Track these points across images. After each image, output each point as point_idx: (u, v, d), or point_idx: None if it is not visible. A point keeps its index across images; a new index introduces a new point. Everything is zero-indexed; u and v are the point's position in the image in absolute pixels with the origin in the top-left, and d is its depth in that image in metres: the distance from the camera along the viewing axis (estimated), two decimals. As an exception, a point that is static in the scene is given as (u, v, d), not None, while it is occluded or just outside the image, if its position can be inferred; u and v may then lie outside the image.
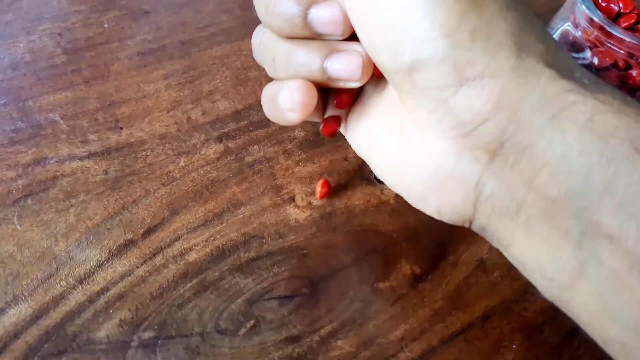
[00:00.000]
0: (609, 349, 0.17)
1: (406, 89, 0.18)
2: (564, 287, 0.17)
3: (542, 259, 0.17)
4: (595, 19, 0.28)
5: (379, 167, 0.22)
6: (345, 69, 0.20)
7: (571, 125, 0.16)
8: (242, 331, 0.24)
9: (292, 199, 0.29)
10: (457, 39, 0.16)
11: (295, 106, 0.21)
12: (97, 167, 0.30)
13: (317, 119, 0.25)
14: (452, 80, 0.17)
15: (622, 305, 0.15)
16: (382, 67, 0.19)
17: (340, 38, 0.20)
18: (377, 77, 0.22)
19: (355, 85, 0.21)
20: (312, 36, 0.20)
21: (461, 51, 0.17)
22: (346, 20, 0.19)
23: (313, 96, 0.21)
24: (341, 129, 0.25)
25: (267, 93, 0.22)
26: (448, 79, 0.17)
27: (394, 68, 0.18)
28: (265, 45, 0.22)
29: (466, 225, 0.20)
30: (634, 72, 0.28)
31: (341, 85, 0.21)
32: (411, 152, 0.20)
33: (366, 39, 0.19)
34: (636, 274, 0.15)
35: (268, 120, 0.33)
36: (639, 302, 0.15)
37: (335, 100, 0.23)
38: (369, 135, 0.22)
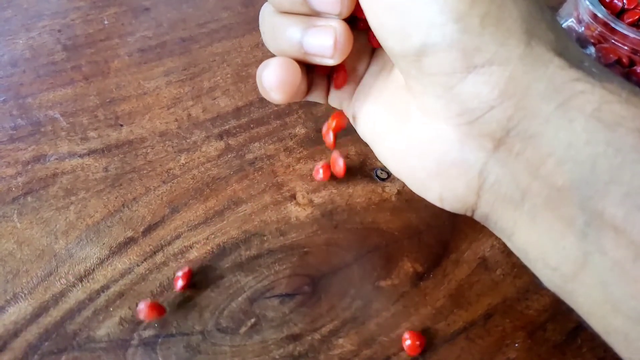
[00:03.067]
0: (611, 339, 0.17)
1: (413, 73, 0.18)
2: (567, 277, 0.17)
3: (546, 249, 0.17)
4: (599, 15, 0.28)
5: (383, 152, 0.22)
6: (318, 44, 0.20)
7: (578, 114, 0.16)
8: (243, 329, 0.24)
9: (293, 197, 0.29)
10: (466, 24, 0.16)
11: (273, 86, 0.20)
12: (97, 164, 0.30)
13: (320, 100, 0.24)
14: (460, 66, 0.17)
15: (626, 296, 0.15)
16: (390, 51, 0.19)
17: (338, 17, 0.20)
18: (382, 60, 0.22)
19: (330, 62, 0.20)
20: (311, 13, 0.20)
21: (470, 37, 0.16)
22: (345, 1, 0.19)
23: (293, 75, 0.20)
24: (345, 111, 0.24)
25: (257, 72, 0.22)
26: (456, 65, 0.17)
27: (402, 52, 0.18)
28: (263, 19, 0.22)
29: (468, 214, 0.20)
30: (638, 69, 0.28)
31: (317, 61, 0.20)
32: (416, 138, 0.20)
33: (375, 20, 0.18)
34: None
35: (269, 117, 0.33)
36: None
37: (332, 81, 0.23)
38: (373, 119, 0.22)
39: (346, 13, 0.19)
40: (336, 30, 0.19)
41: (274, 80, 0.20)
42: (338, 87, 0.23)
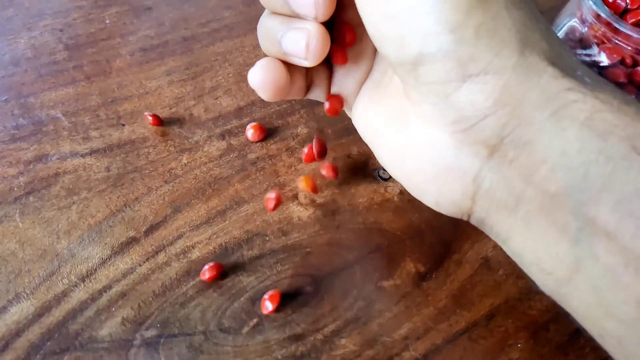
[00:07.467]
0: (605, 343, 0.17)
1: (410, 81, 0.19)
2: (561, 282, 0.17)
3: (540, 254, 0.18)
4: (603, 15, 0.27)
5: (382, 154, 0.22)
6: (292, 45, 0.20)
7: (571, 122, 0.16)
8: (245, 329, 0.24)
9: (295, 197, 0.29)
10: (461, 34, 0.16)
11: (256, 85, 0.21)
12: (99, 164, 0.30)
13: (321, 99, 0.25)
14: (455, 76, 0.17)
15: (618, 301, 0.16)
16: (388, 59, 0.19)
17: (314, 21, 0.20)
18: (384, 65, 0.22)
19: (306, 63, 0.21)
20: (292, 14, 0.20)
21: (465, 47, 0.17)
22: (319, 4, 0.19)
23: (275, 74, 0.21)
24: (347, 112, 0.25)
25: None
26: (451, 74, 0.17)
27: (399, 60, 0.18)
28: (260, 20, 0.22)
29: (464, 219, 0.20)
30: (641, 69, 0.28)
31: (296, 62, 0.21)
32: (413, 143, 0.20)
33: (373, 28, 0.18)
34: (632, 271, 0.15)
35: (271, 116, 0.33)
36: (634, 298, 0.15)
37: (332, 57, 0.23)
38: (373, 121, 0.22)
39: (323, 16, 0.20)
40: (310, 32, 0.20)
41: (257, 80, 0.21)
42: (331, 114, 0.24)
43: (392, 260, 0.27)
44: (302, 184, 0.28)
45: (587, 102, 0.16)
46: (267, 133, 0.32)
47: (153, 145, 0.31)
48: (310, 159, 0.29)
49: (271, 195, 0.27)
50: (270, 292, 0.25)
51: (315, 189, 0.28)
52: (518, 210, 0.18)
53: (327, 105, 0.24)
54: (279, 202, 0.27)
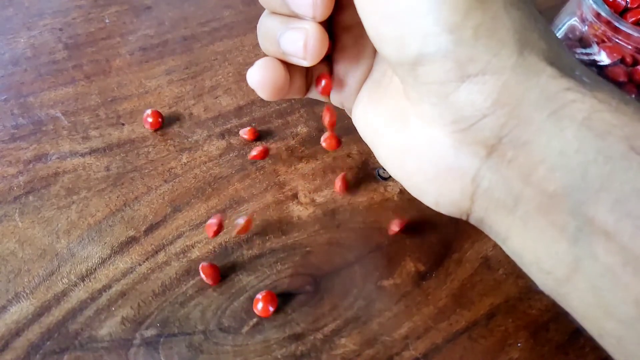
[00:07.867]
0: (604, 342, 0.17)
1: (410, 81, 0.19)
2: (560, 281, 0.17)
3: (539, 253, 0.18)
4: (603, 14, 0.27)
5: (382, 154, 0.22)
6: (290, 45, 0.20)
7: (569, 122, 0.16)
8: (245, 329, 0.24)
9: (295, 196, 0.29)
10: (460, 35, 0.16)
11: (254, 84, 0.21)
12: (98, 163, 0.30)
13: (321, 98, 0.25)
14: (454, 76, 0.17)
15: (617, 301, 0.16)
16: (387, 59, 0.19)
17: (313, 20, 0.20)
18: (385, 65, 0.22)
19: (305, 63, 0.21)
20: (291, 14, 0.20)
21: (464, 48, 0.17)
22: (317, 4, 0.19)
23: (274, 74, 0.21)
24: (347, 111, 0.25)
25: None
26: (450, 74, 0.17)
27: (399, 60, 0.18)
28: (259, 20, 0.22)
29: (464, 218, 0.20)
30: (641, 68, 0.28)
31: (294, 61, 0.21)
32: (413, 143, 0.20)
33: (372, 29, 0.18)
34: (630, 270, 0.15)
35: (271, 116, 0.33)
36: (633, 298, 0.15)
37: (318, 86, 0.23)
38: (373, 121, 0.22)
39: (321, 16, 0.20)
40: (308, 32, 0.20)
41: (257, 79, 0.21)
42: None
43: (392, 260, 0.27)
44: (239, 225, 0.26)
45: (585, 102, 0.16)
46: (268, 132, 0.32)
47: (153, 144, 0.31)
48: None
49: (212, 220, 0.25)
50: (262, 293, 0.25)
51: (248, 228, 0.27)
52: (517, 210, 0.18)
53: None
54: (220, 228, 0.26)
